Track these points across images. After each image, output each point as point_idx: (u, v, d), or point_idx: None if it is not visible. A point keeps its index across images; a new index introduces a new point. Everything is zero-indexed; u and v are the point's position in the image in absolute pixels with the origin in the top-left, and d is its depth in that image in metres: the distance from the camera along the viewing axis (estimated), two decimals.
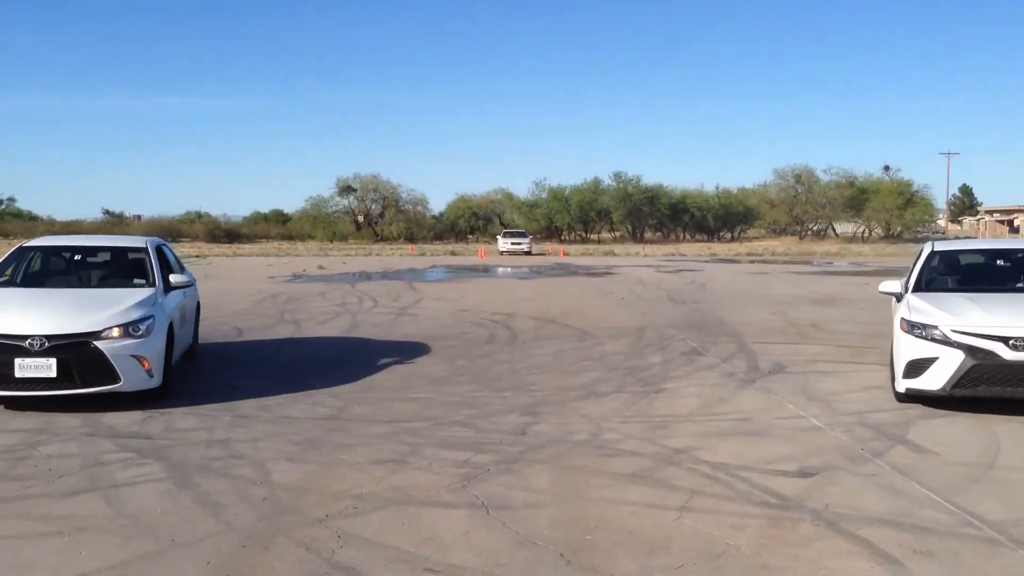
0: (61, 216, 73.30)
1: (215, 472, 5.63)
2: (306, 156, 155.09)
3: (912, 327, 7.41)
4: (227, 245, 56.51)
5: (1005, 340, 6.90)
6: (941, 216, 78.96)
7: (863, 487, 5.36)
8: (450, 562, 4.18)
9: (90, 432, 6.60)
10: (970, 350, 6.97)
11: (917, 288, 8.31)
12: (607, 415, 7.35)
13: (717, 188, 74.53)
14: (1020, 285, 8.44)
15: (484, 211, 73.76)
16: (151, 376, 7.37)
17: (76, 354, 7.04)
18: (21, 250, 9.14)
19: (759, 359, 10.24)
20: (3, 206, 74.39)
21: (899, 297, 8.32)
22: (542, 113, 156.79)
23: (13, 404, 7.23)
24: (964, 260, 9.34)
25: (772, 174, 72.63)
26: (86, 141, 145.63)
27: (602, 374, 9.32)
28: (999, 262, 9.06)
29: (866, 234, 70.40)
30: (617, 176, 71.46)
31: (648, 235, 71.97)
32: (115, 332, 7.25)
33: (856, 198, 68.13)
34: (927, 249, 9.00)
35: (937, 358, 7.10)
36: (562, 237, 70.55)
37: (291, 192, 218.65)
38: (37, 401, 7.15)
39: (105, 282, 8.87)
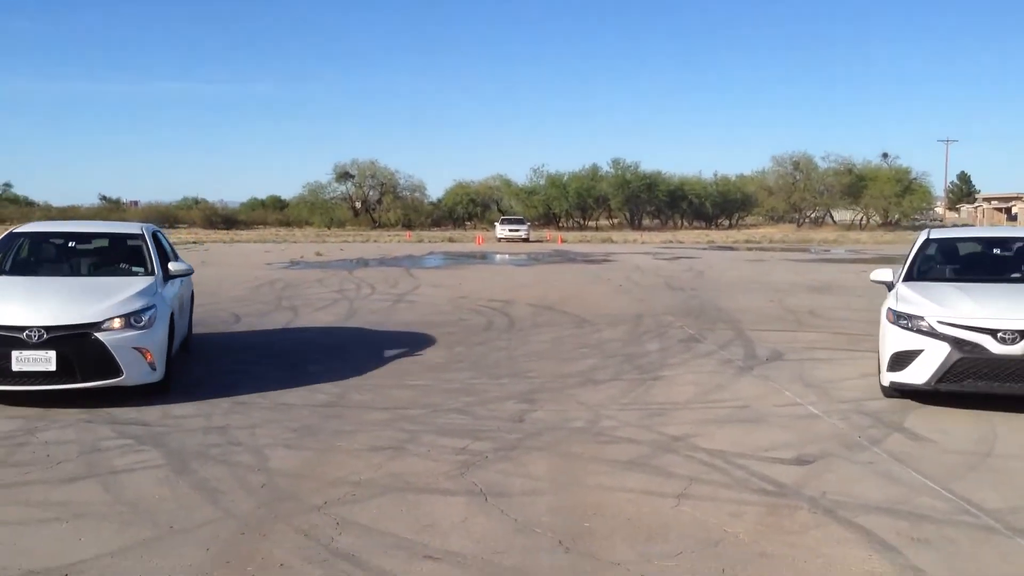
0: (57, 202, 73.01)
1: (213, 459, 5.64)
2: (304, 142, 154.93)
3: (898, 317, 7.14)
4: (224, 231, 56.45)
5: (993, 333, 6.62)
6: (939, 203, 78.83)
7: (860, 475, 5.38)
8: (448, 549, 4.19)
9: (88, 419, 6.58)
10: (956, 343, 6.70)
11: (908, 277, 8.06)
12: (605, 402, 7.36)
13: (715, 175, 74.43)
14: (1016, 276, 8.14)
15: (482, 198, 73.70)
16: (154, 369, 7.09)
17: (76, 346, 6.73)
18: (12, 236, 8.70)
19: (756, 346, 10.25)
20: None
21: (890, 286, 8.03)
22: (540, 99, 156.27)
23: (8, 398, 6.98)
24: (960, 249, 8.98)
25: (770, 161, 72.87)
26: (83, 126, 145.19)
27: (600, 361, 9.32)
28: (996, 251, 8.71)
29: (864, 221, 70.40)
30: (615, 163, 71.48)
31: (646, 222, 71.82)
32: (116, 323, 6.94)
33: (854, 185, 68.09)
34: (922, 237, 8.76)
35: (922, 351, 6.83)
36: (560, 224, 70.44)
37: (289, 178, 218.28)
38: (34, 396, 6.92)
39: (101, 270, 8.50)
